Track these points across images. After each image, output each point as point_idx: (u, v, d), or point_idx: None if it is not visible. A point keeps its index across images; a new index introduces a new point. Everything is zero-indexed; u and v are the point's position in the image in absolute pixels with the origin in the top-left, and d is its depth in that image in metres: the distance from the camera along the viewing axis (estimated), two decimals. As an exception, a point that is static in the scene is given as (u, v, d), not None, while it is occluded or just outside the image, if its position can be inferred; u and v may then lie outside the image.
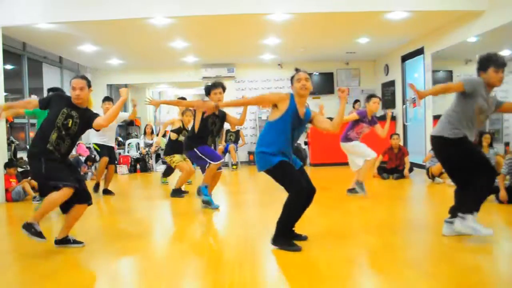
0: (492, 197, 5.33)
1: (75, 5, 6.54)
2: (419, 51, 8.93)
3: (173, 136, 6.74)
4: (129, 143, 11.12)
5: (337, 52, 10.34)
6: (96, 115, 3.79)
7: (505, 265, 3.28)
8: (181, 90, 15.56)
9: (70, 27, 7.20)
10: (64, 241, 3.75)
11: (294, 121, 3.60)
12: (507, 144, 7.56)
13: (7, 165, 6.55)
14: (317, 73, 11.51)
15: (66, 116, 3.63)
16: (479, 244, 3.64)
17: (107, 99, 6.85)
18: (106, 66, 11.12)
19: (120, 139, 12.03)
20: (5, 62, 6.98)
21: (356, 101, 11.01)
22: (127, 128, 13.24)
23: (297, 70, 3.79)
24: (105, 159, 6.79)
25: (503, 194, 5.16)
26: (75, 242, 3.78)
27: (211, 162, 5.20)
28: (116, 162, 7.17)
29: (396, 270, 3.03)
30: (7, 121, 6.89)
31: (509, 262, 3.39)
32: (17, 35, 7.72)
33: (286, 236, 3.57)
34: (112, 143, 7.11)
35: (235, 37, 8.55)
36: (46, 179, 3.60)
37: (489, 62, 3.61)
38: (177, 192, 6.43)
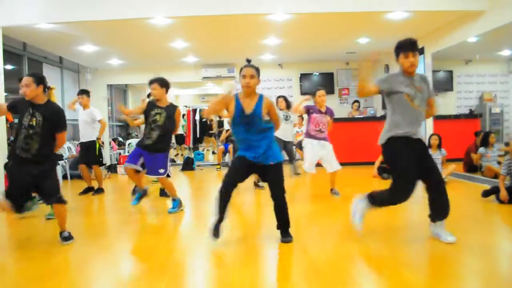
0: (492, 197, 5.34)
1: (75, 5, 6.54)
2: (419, 51, 8.89)
3: None
4: (129, 143, 11.11)
5: (337, 52, 10.34)
6: (62, 128, 3.94)
7: (505, 265, 3.28)
8: (181, 90, 15.55)
9: (70, 27, 7.20)
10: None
11: (242, 119, 3.66)
12: (507, 144, 7.56)
13: (6, 165, 6.53)
14: (317, 73, 11.52)
15: (31, 115, 3.78)
16: (480, 244, 3.64)
17: (81, 92, 6.93)
18: (106, 66, 11.12)
19: (120, 139, 12.03)
20: (5, 62, 6.98)
21: (355, 101, 11.01)
22: (127, 128, 13.24)
23: (247, 61, 3.81)
24: (81, 166, 6.96)
25: (503, 194, 5.16)
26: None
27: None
28: (99, 160, 6.97)
29: (395, 270, 3.03)
30: (7, 121, 6.90)
31: (509, 262, 3.38)
32: (17, 35, 7.73)
33: (214, 226, 3.72)
34: (84, 139, 6.88)
35: (235, 37, 8.55)
36: None
37: (398, 49, 3.66)
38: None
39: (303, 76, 11.38)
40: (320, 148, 5.95)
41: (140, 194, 5.40)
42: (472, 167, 7.37)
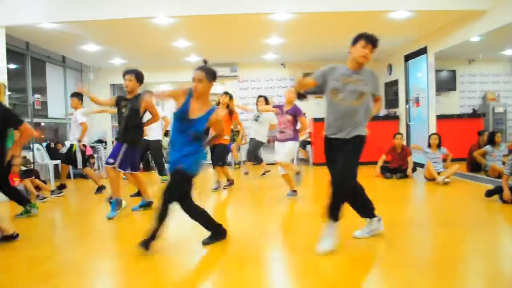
0: (496, 197, 5.32)
1: (78, 4, 6.56)
2: (422, 51, 8.91)
3: None
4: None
5: (340, 51, 10.29)
6: (15, 123, 4.04)
7: (508, 265, 3.26)
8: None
9: (73, 26, 7.22)
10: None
11: (179, 120, 3.49)
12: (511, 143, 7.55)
13: (10, 164, 6.56)
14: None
15: None
16: (483, 244, 3.64)
17: (72, 95, 7.00)
18: (109, 65, 11.14)
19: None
20: (8, 61, 6.99)
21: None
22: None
23: (204, 62, 3.65)
24: (61, 164, 7.22)
25: (507, 194, 5.14)
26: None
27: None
28: (74, 162, 6.99)
29: (398, 270, 3.02)
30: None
31: (513, 262, 3.37)
32: (20, 34, 7.75)
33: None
34: (72, 141, 7.01)
35: (237, 36, 8.55)
36: None
37: (360, 37, 3.52)
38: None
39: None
40: (282, 149, 5.83)
41: (144, 203, 5.36)
42: (475, 167, 7.36)
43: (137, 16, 6.69)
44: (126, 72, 5.07)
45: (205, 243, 3.70)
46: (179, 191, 3.51)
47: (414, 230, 4.27)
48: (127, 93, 5.10)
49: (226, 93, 7.01)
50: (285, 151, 5.78)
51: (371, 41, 3.44)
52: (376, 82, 3.61)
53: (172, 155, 3.55)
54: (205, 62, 3.63)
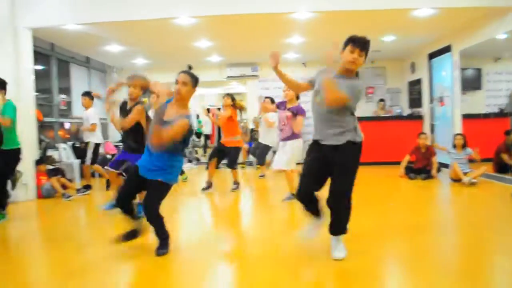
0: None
1: (102, 6, 6.66)
2: (447, 49, 8.75)
3: None
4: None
5: (362, 50, 10.21)
6: None
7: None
8: (205, 90, 15.64)
9: (96, 27, 7.34)
10: None
11: (156, 121, 3.42)
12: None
13: (37, 163, 6.72)
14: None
15: None
16: (509, 246, 3.55)
17: (85, 94, 7.05)
18: (132, 66, 11.27)
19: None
20: (34, 62, 7.14)
21: (381, 100, 10.89)
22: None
23: (189, 67, 3.53)
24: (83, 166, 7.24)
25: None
26: None
27: None
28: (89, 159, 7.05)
29: (423, 271, 2.97)
30: (38, 120, 7.08)
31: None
32: (45, 36, 7.92)
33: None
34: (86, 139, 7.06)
35: (259, 36, 8.55)
36: None
37: (348, 41, 3.31)
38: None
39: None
40: (281, 149, 5.67)
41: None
42: (502, 168, 7.19)
43: (160, 17, 6.75)
44: (131, 78, 4.93)
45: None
46: (159, 199, 3.50)
47: (439, 232, 4.20)
48: (129, 101, 4.90)
49: (228, 94, 6.91)
50: (287, 156, 5.51)
51: (358, 44, 3.26)
52: (355, 90, 3.30)
53: (145, 158, 3.50)
54: (190, 68, 3.59)
